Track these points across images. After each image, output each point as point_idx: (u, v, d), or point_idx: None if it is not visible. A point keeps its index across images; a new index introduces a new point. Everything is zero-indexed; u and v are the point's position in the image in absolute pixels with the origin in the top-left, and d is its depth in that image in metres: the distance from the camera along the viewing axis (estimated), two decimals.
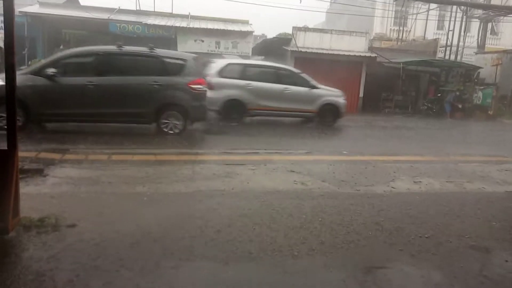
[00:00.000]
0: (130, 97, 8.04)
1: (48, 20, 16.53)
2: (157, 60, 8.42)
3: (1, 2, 3.24)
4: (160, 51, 8.55)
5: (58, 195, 4.20)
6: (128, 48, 8.47)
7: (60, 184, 4.60)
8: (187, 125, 8.64)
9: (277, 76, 11.63)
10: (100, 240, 3.21)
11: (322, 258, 3.18)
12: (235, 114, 10.97)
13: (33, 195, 4.10)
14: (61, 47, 17.44)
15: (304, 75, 12.03)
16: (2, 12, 3.19)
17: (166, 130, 8.32)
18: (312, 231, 3.66)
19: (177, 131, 8.38)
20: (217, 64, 11.42)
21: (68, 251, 3.02)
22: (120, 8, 17.49)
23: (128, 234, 3.34)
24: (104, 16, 16.24)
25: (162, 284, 2.71)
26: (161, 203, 4.16)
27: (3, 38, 6.47)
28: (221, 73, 11.00)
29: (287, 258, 3.13)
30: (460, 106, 17.89)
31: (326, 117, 11.95)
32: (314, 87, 11.82)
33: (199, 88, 8.51)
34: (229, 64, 11.64)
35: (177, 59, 8.84)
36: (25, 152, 5.77)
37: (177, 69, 8.52)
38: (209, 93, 9.32)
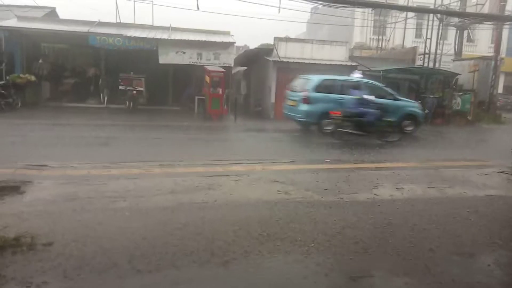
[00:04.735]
0: None
1: (27, 34, 16.30)
2: None
3: None
4: None
5: (35, 213, 4.08)
6: None
7: (37, 201, 4.47)
8: None
9: None
10: (77, 259, 3.12)
11: (314, 270, 3.15)
12: None
13: (8, 214, 3.97)
14: (40, 61, 17.22)
15: None
16: None
17: None
18: (296, 240, 3.63)
19: None
20: None
21: (44, 270, 2.92)
22: (100, 21, 17.37)
23: (106, 253, 3.25)
24: (84, 29, 16.08)
25: None
26: (141, 218, 4.07)
27: None
28: None
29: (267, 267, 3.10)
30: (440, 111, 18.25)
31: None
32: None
33: None
34: None
35: None
36: (2, 169, 5.65)
37: None
38: None
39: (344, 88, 12.50)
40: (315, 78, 12.94)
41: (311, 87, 12.51)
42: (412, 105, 13.81)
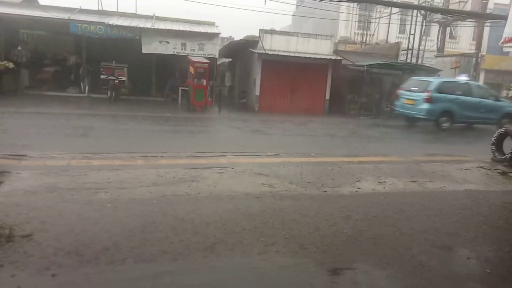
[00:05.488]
0: None
1: (4, 19, 15.80)
2: None
3: None
4: None
5: (14, 204, 3.97)
6: None
7: (16, 192, 4.35)
8: None
9: None
10: (57, 251, 3.05)
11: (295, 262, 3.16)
12: None
13: None
14: (19, 48, 16.74)
15: None
16: None
17: None
18: (277, 232, 3.63)
19: None
20: None
21: (22, 262, 2.85)
22: (81, 8, 16.97)
23: (86, 245, 3.19)
24: (64, 16, 15.69)
25: None
26: (123, 210, 4.01)
27: None
28: None
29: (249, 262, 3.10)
30: None
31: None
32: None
33: None
34: None
35: None
36: None
37: None
38: None
39: (458, 89, 14.17)
40: (436, 80, 14.54)
41: (433, 88, 13.84)
42: (509, 105, 15.19)
